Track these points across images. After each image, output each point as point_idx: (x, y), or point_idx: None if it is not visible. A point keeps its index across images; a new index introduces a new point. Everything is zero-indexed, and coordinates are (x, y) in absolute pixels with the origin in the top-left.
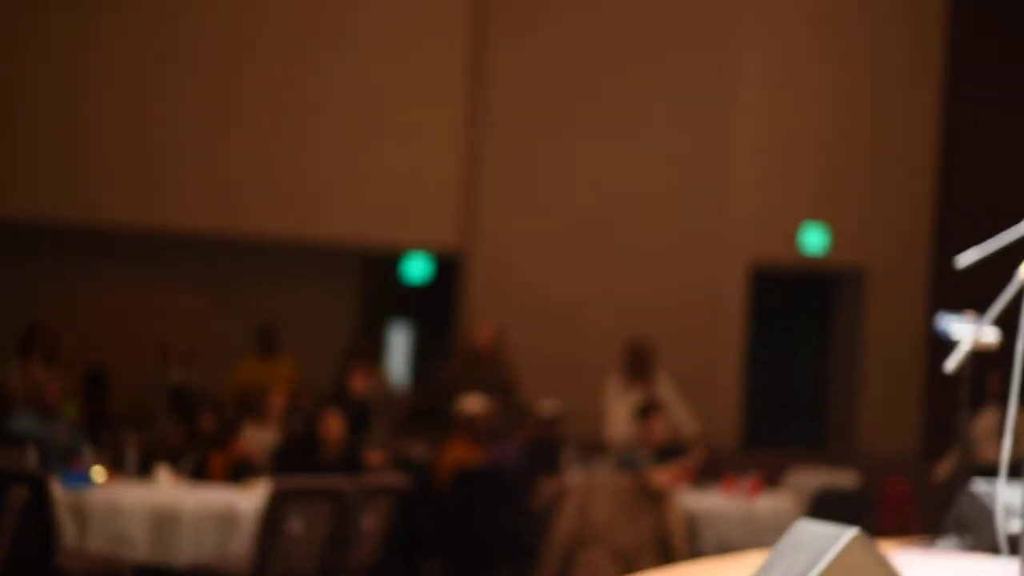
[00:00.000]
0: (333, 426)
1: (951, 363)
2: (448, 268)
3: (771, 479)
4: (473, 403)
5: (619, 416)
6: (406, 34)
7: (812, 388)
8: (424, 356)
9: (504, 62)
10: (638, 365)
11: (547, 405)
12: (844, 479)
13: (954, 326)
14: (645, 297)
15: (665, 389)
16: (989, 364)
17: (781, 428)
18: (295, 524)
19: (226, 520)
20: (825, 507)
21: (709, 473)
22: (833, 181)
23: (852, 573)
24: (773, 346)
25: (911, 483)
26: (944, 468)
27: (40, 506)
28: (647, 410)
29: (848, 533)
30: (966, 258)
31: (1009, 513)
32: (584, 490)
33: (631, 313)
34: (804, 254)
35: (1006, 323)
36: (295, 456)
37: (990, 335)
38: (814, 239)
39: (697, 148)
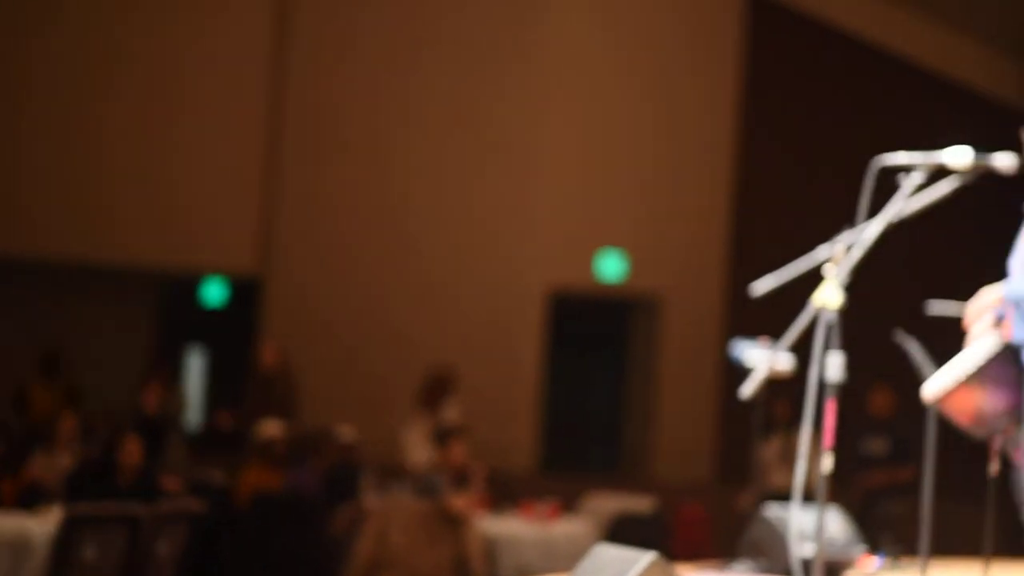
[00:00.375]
0: (132, 451)
1: (746, 389)
2: (246, 292)
3: (568, 504)
4: (271, 427)
5: (416, 442)
6: (206, 55)
7: (609, 413)
8: (221, 380)
9: (304, 87)
10: (436, 392)
11: (345, 431)
12: (640, 504)
13: (748, 353)
14: (444, 322)
15: (455, 416)
16: (778, 391)
17: (578, 453)
18: (88, 551)
19: (18, 547)
20: (622, 531)
21: (507, 498)
22: (630, 209)
23: None
24: (571, 371)
25: (705, 508)
26: (745, 498)
27: None
28: (445, 435)
29: (646, 557)
30: (760, 286)
31: (801, 537)
32: (383, 515)
33: (430, 338)
34: (601, 280)
35: (797, 350)
36: (89, 481)
37: (784, 362)
38: (611, 266)
39: (497, 175)
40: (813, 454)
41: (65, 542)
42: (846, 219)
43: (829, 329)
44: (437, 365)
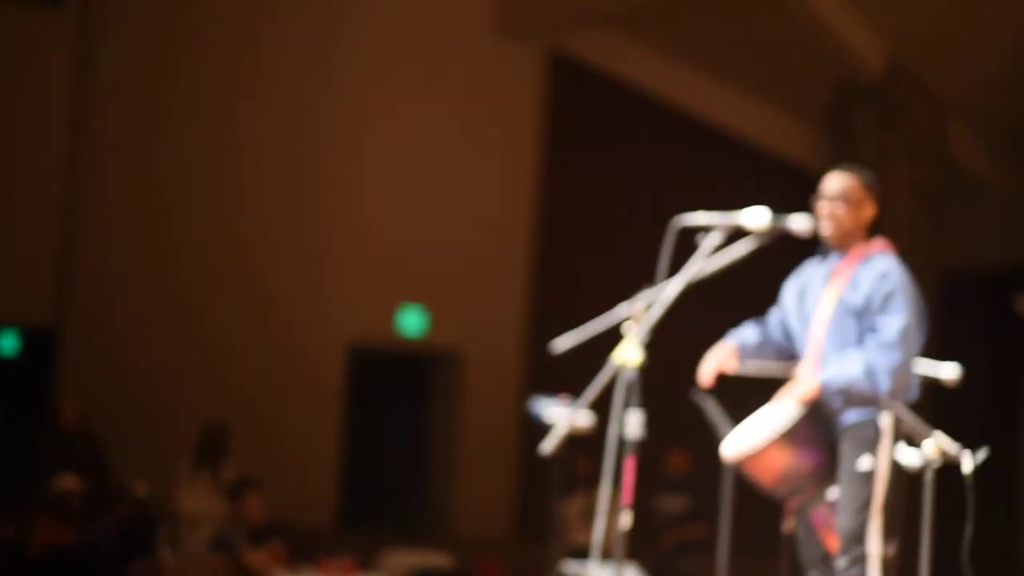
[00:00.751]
0: None
1: (546, 446)
2: (40, 344)
3: (367, 559)
4: (65, 481)
5: (188, 496)
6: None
7: (409, 469)
8: (13, 434)
9: (104, 131)
10: (210, 446)
11: (139, 485)
12: (439, 560)
13: (547, 410)
14: (244, 377)
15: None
16: (579, 447)
17: (378, 509)
18: None
19: None
20: None
21: (304, 554)
22: (430, 265)
23: None
24: (371, 426)
25: (504, 564)
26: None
27: None
28: (239, 489)
29: None
30: (561, 343)
31: None
32: (178, 572)
33: (230, 392)
34: (402, 335)
35: (599, 407)
36: None
37: (583, 418)
38: (411, 321)
39: (297, 227)
40: (613, 511)
41: None
42: (646, 278)
43: (628, 387)
44: (209, 421)
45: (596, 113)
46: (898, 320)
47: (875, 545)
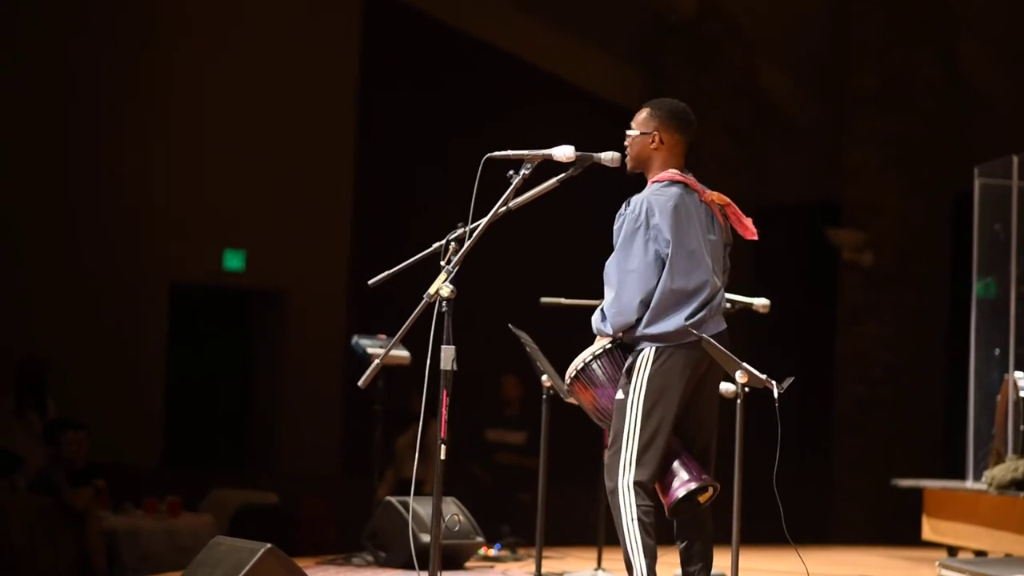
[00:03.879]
0: None
1: (362, 380)
2: None
3: (194, 499)
4: None
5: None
6: None
7: (235, 409)
8: None
9: None
10: (29, 385)
11: None
12: (264, 498)
13: (366, 345)
14: (64, 318)
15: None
16: (413, 383)
17: (204, 449)
18: None
19: None
20: (244, 524)
21: (129, 494)
22: (255, 204)
23: None
24: (196, 366)
25: (329, 501)
26: (383, 491)
27: None
28: (57, 428)
29: (262, 547)
30: (376, 279)
31: (420, 527)
32: (1, 510)
33: (48, 332)
34: (226, 273)
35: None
36: None
37: (400, 353)
38: (235, 260)
39: (122, 168)
40: (434, 445)
41: None
42: (464, 213)
43: (442, 320)
44: (28, 358)
45: (414, 52)
46: (612, 256)
47: (625, 478)
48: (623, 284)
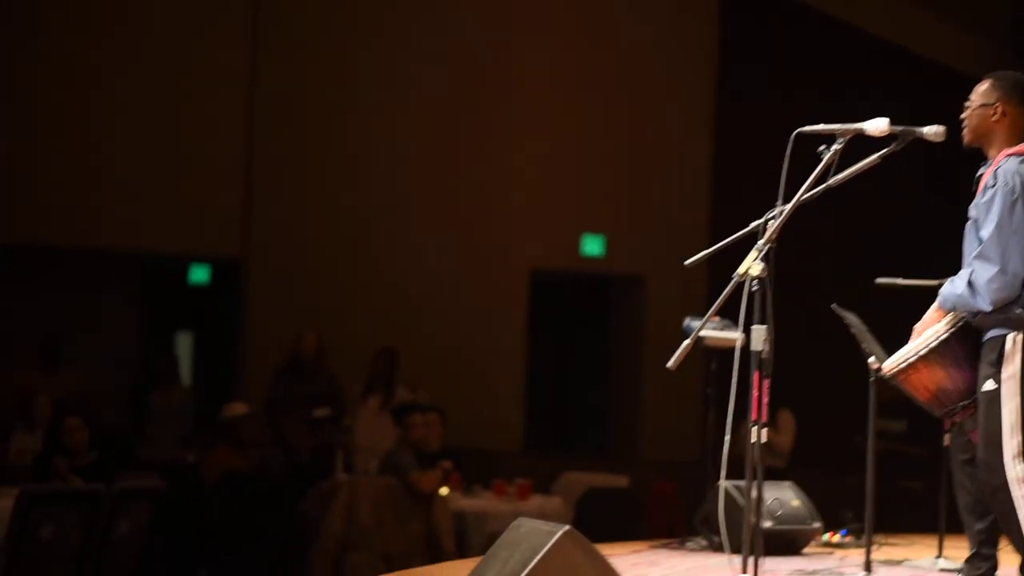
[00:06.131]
0: (76, 434)
1: (672, 360)
2: (228, 275)
3: (546, 483)
4: (237, 408)
5: (363, 422)
6: (188, 48)
7: (593, 393)
8: (207, 363)
9: (277, 74)
10: (381, 373)
11: (321, 410)
12: (615, 482)
13: (696, 326)
14: (427, 305)
15: (407, 395)
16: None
17: (564, 433)
18: (45, 529)
19: None
20: (590, 507)
21: (484, 479)
22: (612, 191)
23: (564, 568)
24: (554, 350)
25: (677, 485)
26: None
27: None
28: (405, 412)
29: (560, 529)
30: (693, 258)
31: (760, 512)
32: (350, 494)
33: (412, 321)
34: (584, 259)
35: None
36: (49, 461)
37: (730, 334)
38: (593, 246)
39: (476, 157)
40: (748, 431)
41: (21, 520)
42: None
43: (753, 300)
44: (381, 349)
45: (769, 31)
46: (988, 228)
47: (1013, 471)
48: (1007, 258)
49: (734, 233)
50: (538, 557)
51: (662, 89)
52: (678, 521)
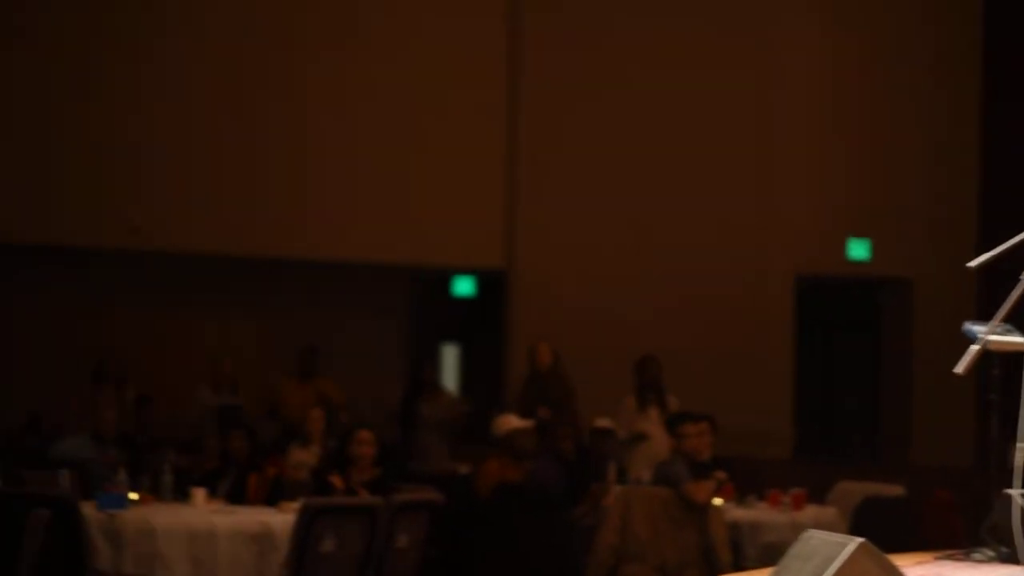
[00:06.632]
0: (365, 447)
1: (961, 366)
2: (493, 286)
3: (820, 492)
4: (511, 420)
5: (635, 429)
6: (446, 60)
7: (865, 398)
8: (472, 374)
9: (538, 85)
10: (649, 382)
11: (602, 421)
12: (893, 491)
13: (978, 331)
14: (692, 310)
15: (673, 406)
16: None
17: (833, 439)
18: (327, 542)
19: (262, 540)
20: (866, 517)
21: (756, 487)
22: (879, 193)
23: None
24: (821, 355)
25: (956, 493)
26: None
27: (69, 529)
28: (677, 422)
29: (854, 542)
30: (978, 260)
31: None
32: (624, 505)
33: (677, 328)
34: (850, 262)
35: None
36: (329, 475)
37: (1017, 338)
38: (860, 248)
39: (738, 160)
40: None
41: (304, 534)
42: None
43: None
44: (644, 357)
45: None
46: None
47: None
48: None
49: (1007, 233)
50: (832, 570)
51: (927, 87)
52: (958, 531)
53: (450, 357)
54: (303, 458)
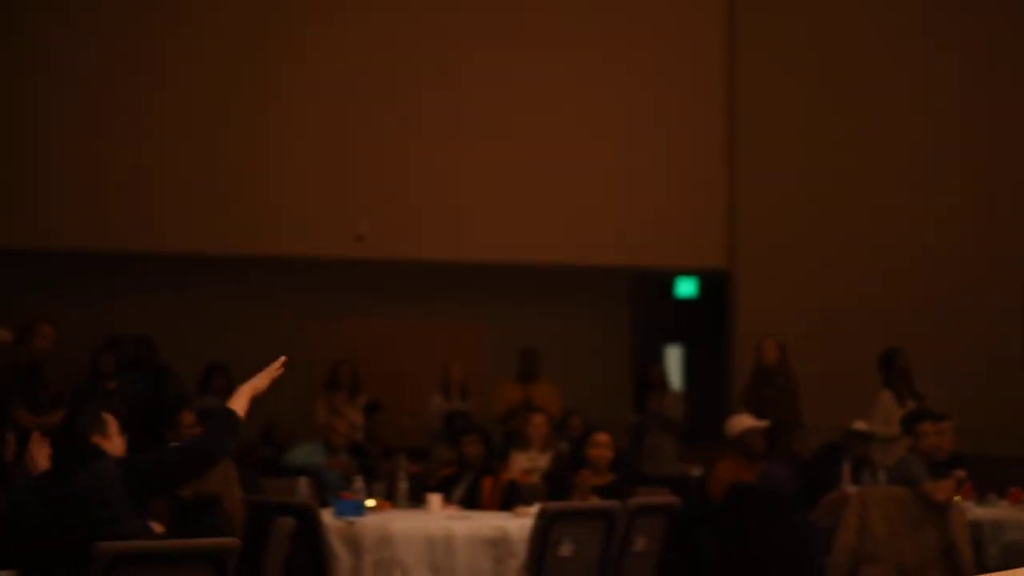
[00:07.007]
0: (600, 451)
1: None
2: (715, 286)
3: None
4: (744, 420)
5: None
6: (664, 66)
7: None
8: (696, 375)
9: (757, 76)
10: (901, 375)
11: (859, 423)
12: None
13: None
14: (928, 305)
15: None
16: None
17: None
18: (565, 547)
19: (499, 545)
20: None
21: (996, 486)
22: None
23: None
24: None
25: None
26: None
27: (310, 536)
28: (916, 419)
29: None
30: None
31: None
32: (861, 505)
33: (899, 323)
34: None
35: None
36: (565, 479)
37: None
38: None
39: (964, 152)
40: None
41: (542, 539)
42: None
43: None
44: (892, 350)
45: None
46: None
47: None
48: None
49: None
50: None
51: None
52: None
53: (674, 359)
54: (523, 463)
